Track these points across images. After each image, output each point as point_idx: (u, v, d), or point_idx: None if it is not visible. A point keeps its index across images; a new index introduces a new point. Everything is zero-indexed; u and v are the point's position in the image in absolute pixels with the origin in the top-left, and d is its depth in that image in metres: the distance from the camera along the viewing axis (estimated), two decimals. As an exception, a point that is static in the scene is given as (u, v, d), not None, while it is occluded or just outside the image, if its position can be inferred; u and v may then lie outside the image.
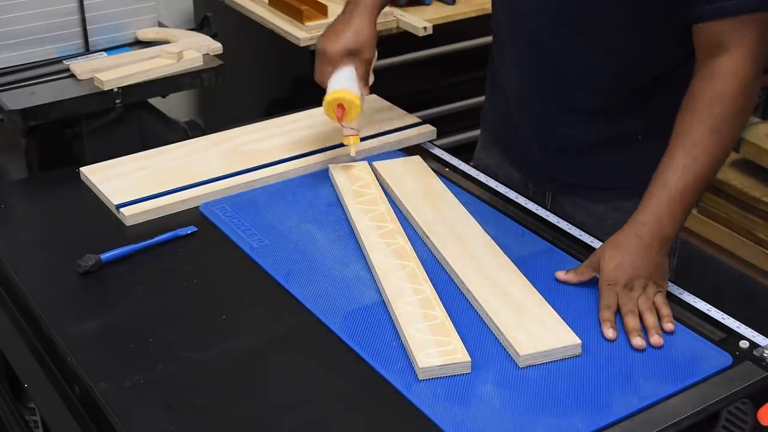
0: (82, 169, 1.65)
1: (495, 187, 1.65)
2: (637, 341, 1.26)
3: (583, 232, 1.51)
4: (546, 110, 1.59)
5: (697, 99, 1.36)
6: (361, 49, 1.57)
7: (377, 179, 1.64)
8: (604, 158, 1.59)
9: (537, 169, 1.67)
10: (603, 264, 1.34)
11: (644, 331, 1.28)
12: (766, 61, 1.37)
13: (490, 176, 1.69)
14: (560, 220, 1.55)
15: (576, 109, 1.56)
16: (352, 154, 1.63)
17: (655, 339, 1.26)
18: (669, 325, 1.29)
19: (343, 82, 1.56)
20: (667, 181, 1.35)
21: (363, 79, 1.59)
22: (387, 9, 2.63)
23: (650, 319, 1.29)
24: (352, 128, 1.61)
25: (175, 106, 2.88)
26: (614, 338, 1.27)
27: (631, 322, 1.28)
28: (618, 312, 1.31)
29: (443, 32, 2.63)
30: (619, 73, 1.50)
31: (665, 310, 1.31)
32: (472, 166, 1.74)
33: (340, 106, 1.55)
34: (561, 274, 1.39)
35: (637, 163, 1.52)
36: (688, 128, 1.36)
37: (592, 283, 1.37)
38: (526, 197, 1.62)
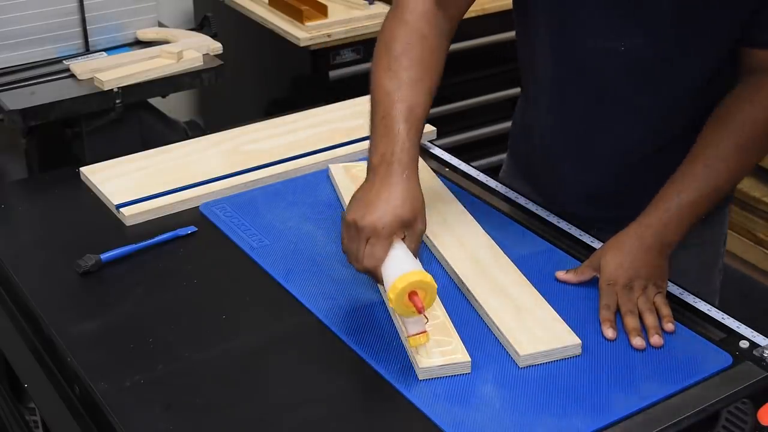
0: (82, 169, 1.65)
1: (495, 187, 1.65)
2: (637, 341, 1.25)
3: (583, 232, 1.51)
4: (599, 164, 1.50)
5: (731, 115, 1.34)
6: (414, 219, 1.26)
7: (377, 179, 1.63)
8: (653, 190, 1.45)
9: (580, 210, 1.57)
10: (603, 264, 1.34)
11: (644, 331, 1.28)
12: None
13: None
14: (560, 220, 1.55)
15: (634, 160, 1.48)
16: (421, 358, 1.21)
17: (655, 339, 1.26)
18: (669, 326, 1.28)
19: (408, 262, 1.22)
20: (682, 189, 1.34)
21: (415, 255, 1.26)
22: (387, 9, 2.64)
23: (650, 319, 1.28)
24: (421, 321, 1.20)
25: (175, 106, 2.88)
26: (614, 338, 1.27)
27: (631, 322, 1.28)
28: (618, 312, 1.31)
29: (443, 32, 2.62)
30: (676, 113, 1.44)
31: (665, 310, 1.30)
32: (476, 168, 1.73)
33: (414, 292, 1.18)
34: (561, 274, 1.39)
35: None
36: (715, 141, 1.34)
37: (592, 283, 1.37)
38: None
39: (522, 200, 1.60)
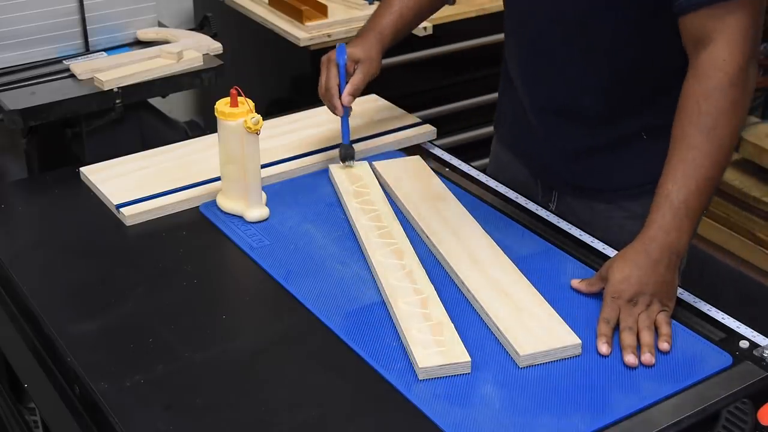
0: (82, 169, 1.65)
1: (495, 187, 1.65)
2: (629, 358, 1.23)
3: (583, 232, 1.51)
4: (553, 114, 1.58)
5: (685, 99, 1.34)
6: (365, 59, 1.63)
7: (377, 179, 1.64)
8: (611, 160, 1.57)
9: (546, 170, 1.67)
10: (610, 275, 1.32)
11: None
12: (755, 47, 1.33)
13: (500, 173, 1.71)
14: (560, 220, 1.55)
15: (581, 113, 1.54)
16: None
17: (647, 357, 1.23)
18: (664, 345, 1.26)
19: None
20: (668, 192, 1.32)
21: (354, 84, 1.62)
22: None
23: (646, 337, 1.26)
24: None
25: (175, 106, 2.88)
26: (608, 354, 1.25)
27: (627, 338, 1.26)
28: (617, 326, 1.29)
29: (443, 32, 2.63)
30: (619, 76, 1.49)
31: (665, 329, 1.28)
32: (476, 168, 1.73)
33: None
34: (575, 283, 1.37)
35: (642, 164, 1.52)
36: (681, 133, 1.33)
37: (593, 284, 1.37)
38: (532, 196, 1.63)
39: (522, 200, 1.61)
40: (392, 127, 1.81)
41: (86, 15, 2.12)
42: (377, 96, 1.93)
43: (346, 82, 1.60)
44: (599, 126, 1.55)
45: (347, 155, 1.64)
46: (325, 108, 1.89)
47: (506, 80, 1.72)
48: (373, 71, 1.63)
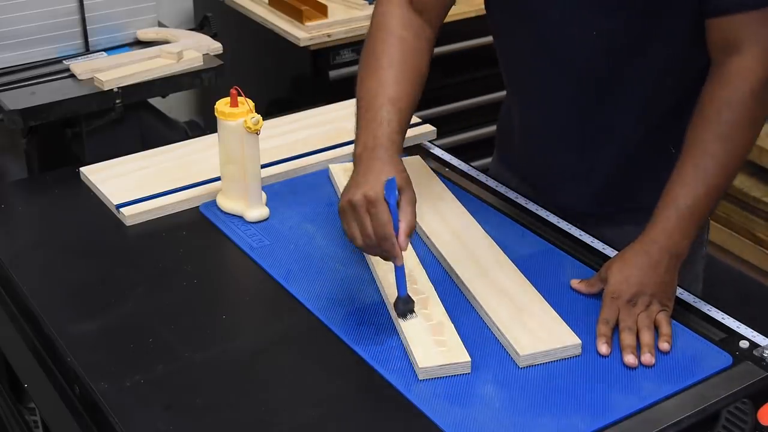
0: (82, 169, 1.65)
1: (495, 187, 1.65)
2: (629, 359, 1.23)
3: (583, 232, 1.51)
4: (586, 143, 1.51)
5: (706, 105, 1.32)
6: (404, 187, 1.25)
7: (377, 179, 1.63)
8: (645, 177, 1.50)
9: (572, 205, 1.58)
10: (610, 276, 1.31)
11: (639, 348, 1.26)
12: None
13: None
14: (560, 220, 1.55)
15: (617, 135, 1.48)
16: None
17: (647, 358, 1.23)
18: (665, 345, 1.25)
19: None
20: (676, 195, 1.31)
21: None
22: (387, 9, 2.64)
23: (646, 337, 1.26)
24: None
25: (175, 106, 2.88)
26: (607, 354, 1.24)
27: (627, 339, 1.25)
28: (616, 326, 1.28)
29: (443, 32, 2.62)
30: (662, 90, 1.44)
31: (665, 329, 1.27)
32: (476, 168, 1.73)
33: None
34: (575, 283, 1.37)
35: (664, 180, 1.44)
36: (697, 137, 1.31)
37: (593, 284, 1.37)
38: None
39: (522, 200, 1.60)
40: (392, 127, 1.80)
41: (86, 15, 2.13)
42: (377, 96, 1.93)
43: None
44: (630, 146, 1.49)
45: (407, 309, 1.27)
46: (325, 108, 1.90)
47: (510, 128, 1.63)
48: (414, 195, 1.27)
